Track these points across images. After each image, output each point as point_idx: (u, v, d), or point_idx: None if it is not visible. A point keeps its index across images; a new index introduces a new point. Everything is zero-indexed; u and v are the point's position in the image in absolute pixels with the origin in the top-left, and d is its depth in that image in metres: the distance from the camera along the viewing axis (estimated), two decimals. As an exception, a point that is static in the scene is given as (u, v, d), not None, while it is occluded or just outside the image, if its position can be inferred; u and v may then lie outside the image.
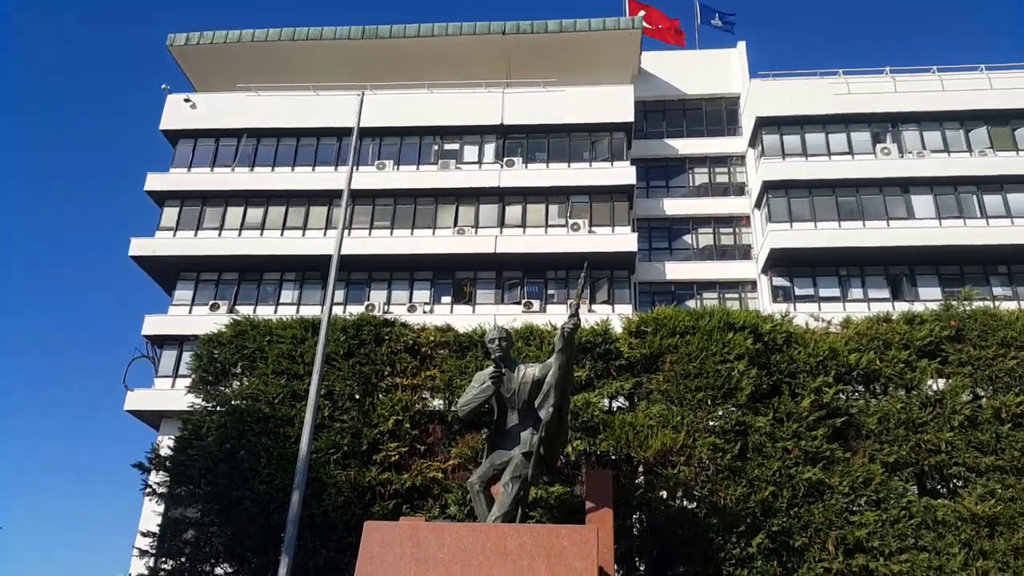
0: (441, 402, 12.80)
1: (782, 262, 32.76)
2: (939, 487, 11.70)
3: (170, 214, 33.94)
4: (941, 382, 12.12)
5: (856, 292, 32.39)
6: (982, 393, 12.01)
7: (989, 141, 33.46)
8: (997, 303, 12.87)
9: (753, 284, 34.27)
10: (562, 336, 9.11)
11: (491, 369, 9.64)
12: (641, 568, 11.61)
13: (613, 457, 12.05)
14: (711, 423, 11.81)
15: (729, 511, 11.13)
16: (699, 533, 11.07)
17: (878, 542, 10.89)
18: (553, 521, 10.78)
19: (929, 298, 27.48)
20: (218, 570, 12.06)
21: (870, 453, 11.55)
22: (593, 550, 7.93)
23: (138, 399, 30.52)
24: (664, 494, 11.66)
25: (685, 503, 11.55)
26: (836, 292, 32.55)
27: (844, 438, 11.79)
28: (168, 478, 12.70)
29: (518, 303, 31.69)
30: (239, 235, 33.28)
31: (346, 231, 30.69)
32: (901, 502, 11.10)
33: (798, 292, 32.53)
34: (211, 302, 31.94)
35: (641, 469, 11.87)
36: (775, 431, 11.66)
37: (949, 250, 31.39)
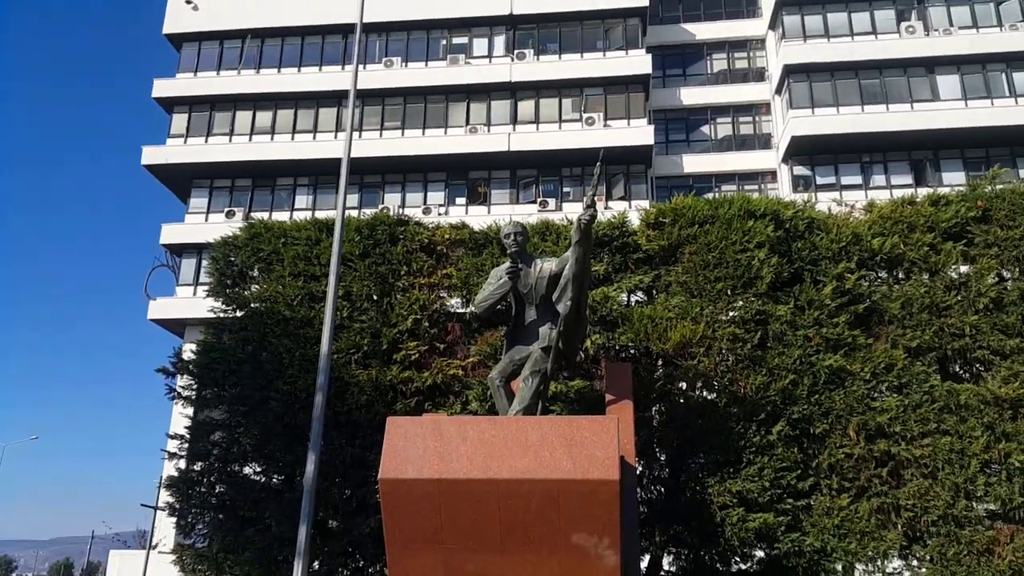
0: (458, 300, 12.77)
1: (803, 150, 31.95)
2: (962, 371, 11.62)
3: (179, 121, 33.49)
4: (964, 268, 11.86)
5: (879, 179, 31.69)
6: (1008, 275, 11.75)
7: (1021, 14, 31.82)
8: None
9: (773, 174, 33.60)
10: (578, 228, 8.90)
11: (507, 265, 9.49)
12: (662, 458, 11.78)
13: (632, 351, 12.04)
14: (731, 313, 11.70)
15: (749, 400, 11.16)
16: (719, 423, 11.14)
17: (900, 427, 10.91)
18: (573, 414, 10.86)
19: (953, 183, 26.76)
20: (247, 469, 12.41)
21: (892, 339, 11.43)
22: (614, 439, 7.97)
23: (161, 308, 30.96)
24: (684, 385, 11.70)
25: (705, 394, 11.60)
26: (858, 180, 31.86)
27: (866, 324, 11.66)
28: (193, 382, 12.93)
29: (533, 202, 31.34)
30: (250, 140, 32.87)
31: (356, 133, 30.14)
32: (923, 387, 11.05)
33: (819, 181, 31.87)
34: (226, 209, 31.88)
35: (660, 362, 11.87)
36: (796, 319, 11.53)
37: (975, 132, 30.42)
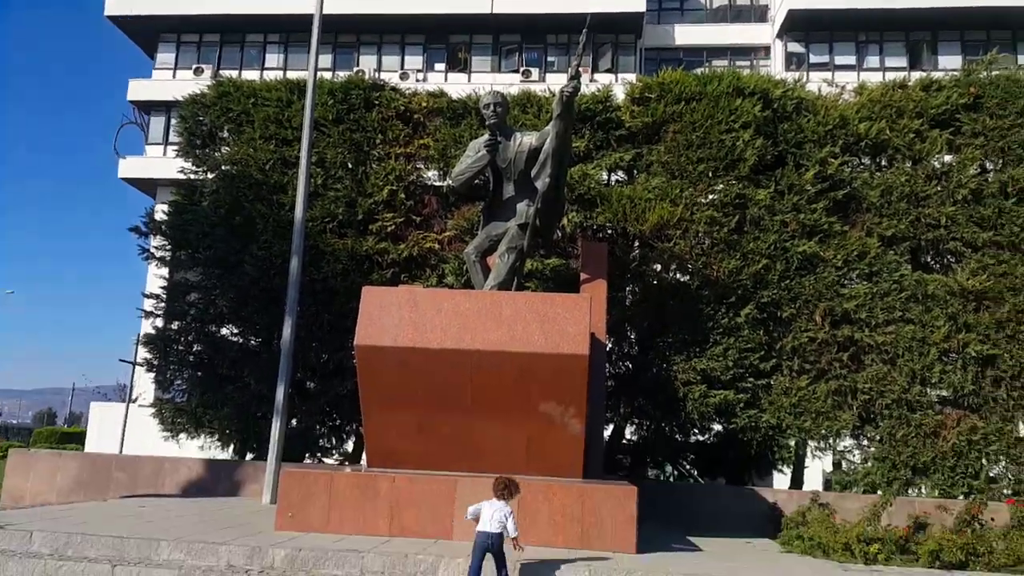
0: (435, 172, 12.54)
1: (799, 24, 30.84)
2: (933, 262, 11.79)
3: (144, -31, 31.41)
4: (948, 157, 11.78)
5: (873, 60, 30.86)
6: (990, 166, 11.71)
7: None
8: (1022, 71, 12.12)
9: (767, 50, 32.55)
10: (560, 100, 8.63)
11: (486, 137, 9.25)
12: (632, 336, 12.01)
13: (609, 231, 12.01)
14: (710, 196, 11.63)
15: (721, 283, 11.29)
16: (690, 304, 11.32)
17: (865, 314, 11.16)
18: (548, 292, 10.95)
19: (949, 67, 26.14)
20: (224, 330, 12.52)
21: (868, 227, 11.49)
22: (585, 316, 8.08)
23: (131, 166, 30.19)
24: (658, 267, 11.77)
25: (678, 276, 11.70)
26: (852, 60, 31.02)
27: (844, 211, 11.68)
28: (166, 243, 12.80)
29: (516, 71, 30.27)
30: (219, -8, 31.01)
31: (333, -13, 28.58)
32: (894, 276, 11.22)
33: (813, 59, 31.00)
34: (194, 66, 30.51)
35: (637, 243, 11.88)
36: (775, 204, 11.51)
37: (977, 12, 29.34)
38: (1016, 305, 10.93)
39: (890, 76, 12.60)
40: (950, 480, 10.58)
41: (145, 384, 25.79)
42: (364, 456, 9.06)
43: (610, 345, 11.45)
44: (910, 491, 10.80)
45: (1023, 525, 8.74)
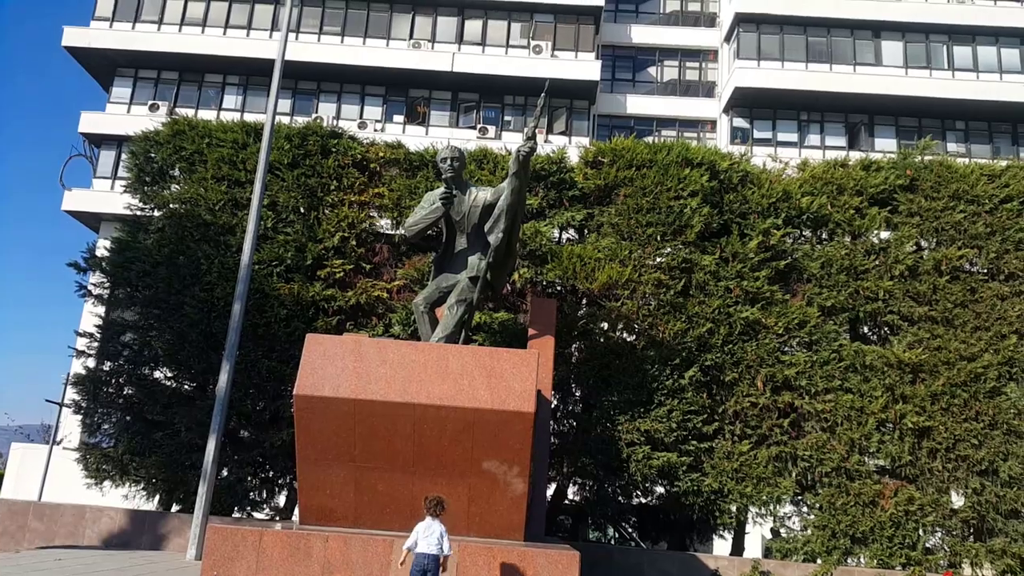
0: (388, 221, 12.51)
1: (745, 102, 32.15)
2: (871, 333, 12.13)
3: (105, 3, 31.15)
4: (885, 234, 12.24)
5: (814, 139, 32.23)
6: (925, 244, 12.20)
7: (969, -12, 32.32)
8: (950, 159, 12.76)
9: (713, 124, 33.74)
10: (517, 159, 8.76)
11: (442, 190, 9.30)
12: (577, 394, 12.00)
13: (559, 288, 12.10)
14: (658, 259, 11.84)
15: (666, 345, 11.40)
16: (635, 364, 11.38)
17: (806, 381, 11.38)
18: (495, 346, 10.91)
19: (884, 149, 27.45)
20: (158, 373, 12.08)
21: (809, 296, 11.80)
22: (533, 373, 8.04)
23: (76, 199, 29.40)
24: (605, 325, 11.86)
25: (625, 335, 11.79)
26: (794, 137, 32.34)
27: (786, 281, 12.00)
28: (105, 280, 12.41)
29: (473, 127, 30.69)
30: (179, 30, 30.87)
31: (293, 34, 28.73)
32: (833, 345, 11.51)
33: (757, 135, 32.21)
34: (150, 102, 30.13)
35: (585, 300, 11.97)
36: (719, 270, 11.77)
37: (911, 101, 31.10)
38: (950, 379, 11.27)
39: (830, 155, 13.17)
40: (888, 551, 10.70)
41: (72, 426, 24.65)
42: (296, 512, 8.76)
43: (555, 402, 11.41)
44: (849, 560, 10.87)
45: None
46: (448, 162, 9.29)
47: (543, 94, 9.31)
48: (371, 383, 7.84)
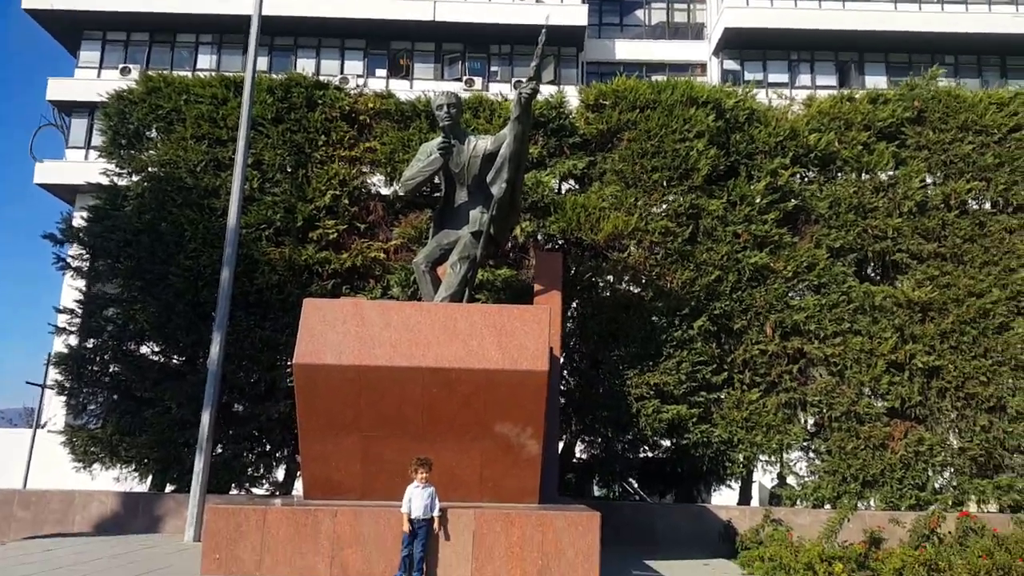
0: (382, 177, 11.97)
1: (735, 43, 31.47)
2: (877, 274, 11.81)
3: (65, -39, 29.83)
4: (892, 171, 11.86)
5: (804, 78, 31.69)
6: (933, 179, 11.84)
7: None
8: (959, 88, 12.34)
9: (703, 67, 33.07)
10: (519, 103, 8.27)
11: (439, 140, 8.81)
12: (583, 349, 11.65)
13: (560, 241, 11.68)
14: (664, 206, 11.42)
15: (674, 295, 11.05)
16: (643, 316, 11.05)
17: (815, 326, 11.09)
18: (500, 303, 10.52)
19: (875, 86, 26.97)
20: (144, 348, 11.55)
21: (817, 238, 11.45)
22: (545, 330, 7.69)
23: (49, 171, 28.43)
24: (611, 278, 11.47)
25: (632, 287, 11.41)
26: (785, 78, 31.80)
27: (794, 223, 11.63)
28: (84, 252, 11.81)
29: (459, 79, 29.86)
30: (147, -11, 29.69)
31: (268, -12, 27.61)
32: (842, 287, 11.20)
33: (747, 76, 31.54)
34: (121, 65, 29.01)
35: (590, 253, 11.56)
36: (727, 215, 11.37)
37: (900, 36, 30.59)
38: (959, 316, 11.03)
39: (821, 94, 12.68)
40: (898, 492, 10.57)
41: (56, 408, 24.14)
42: (300, 486, 8.41)
43: (562, 359, 11.09)
44: (859, 504, 10.72)
45: (968, 536, 8.73)
46: (444, 109, 8.79)
47: (542, 31, 8.74)
48: (375, 348, 7.46)
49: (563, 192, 11.95)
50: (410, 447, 7.44)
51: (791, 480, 11.26)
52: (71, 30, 29.96)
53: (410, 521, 6.71)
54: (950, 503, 10.53)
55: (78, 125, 29.36)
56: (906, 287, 11.26)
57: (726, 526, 10.18)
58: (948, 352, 11.01)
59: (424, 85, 28.50)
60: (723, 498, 12.31)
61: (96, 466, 11.30)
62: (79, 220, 12.12)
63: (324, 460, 7.66)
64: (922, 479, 10.73)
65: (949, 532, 9.01)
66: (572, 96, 12.26)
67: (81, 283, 12.19)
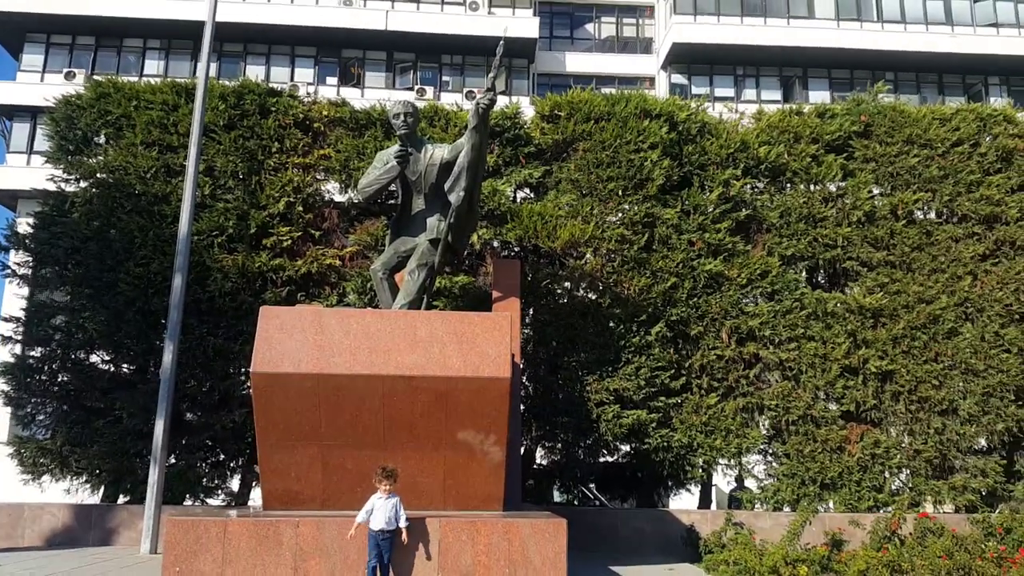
0: (336, 185, 11.85)
1: (682, 57, 32.07)
2: (828, 280, 12.12)
3: (8, -39, 28.94)
4: (841, 182, 12.19)
5: (750, 93, 32.41)
6: (881, 190, 12.19)
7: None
8: (903, 104, 12.77)
9: (652, 81, 33.58)
10: (477, 113, 8.28)
11: (396, 147, 8.77)
12: (542, 355, 11.68)
13: (517, 248, 11.72)
14: (619, 214, 11.55)
15: (632, 301, 11.17)
16: (601, 322, 11.14)
17: (769, 331, 11.31)
18: (458, 310, 10.49)
19: (817, 102, 27.72)
20: (94, 356, 11.21)
21: (769, 246, 11.71)
22: (506, 336, 7.67)
23: (-12, 176, 27.49)
24: (568, 284, 11.54)
25: (589, 294, 11.50)
26: (731, 92, 32.47)
27: (746, 232, 11.87)
28: (30, 258, 11.43)
29: (411, 88, 29.79)
30: (93, -8, 28.96)
31: (217, -6, 27.19)
32: (794, 294, 11.46)
33: (695, 91, 32.13)
34: (65, 70, 28.22)
35: (546, 260, 11.62)
36: (681, 223, 11.55)
37: (843, 53, 31.54)
38: (910, 322, 11.37)
39: (767, 108, 13.01)
40: (856, 495, 10.79)
41: (0, 419, 23.26)
42: (256, 496, 8.23)
43: (522, 365, 11.09)
44: (819, 506, 10.93)
45: (927, 537, 8.94)
46: (401, 118, 8.75)
47: (500, 42, 8.81)
48: (334, 356, 7.35)
49: (519, 200, 11.99)
50: (372, 456, 7.35)
51: (750, 483, 11.44)
52: (14, 32, 29.08)
53: (372, 532, 6.61)
54: (907, 504, 10.74)
55: (20, 129, 28.46)
56: (857, 294, 11.58)
57: (688, 530, 10.28)
58: (900, 356, 11.33)
59: (375, 94, 28.35)
60: (683, 502, 12.43)
61: (46, 478, 10.96)
62: (24, 226, 11.72)
63: (284, 470, 7.50)
64: (879, 481, 10.99)
65: (909, 533, 9.23)
66: (524, 107, 12.35)
67: (26, 291, 11.78)
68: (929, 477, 11.09)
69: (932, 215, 12.14)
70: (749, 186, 12.01)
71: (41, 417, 11.13)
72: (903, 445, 11.14)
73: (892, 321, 11.40)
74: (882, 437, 11.05)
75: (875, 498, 10.81)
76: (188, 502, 10.93)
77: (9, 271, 11.46)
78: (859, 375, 11.25)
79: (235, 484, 11.54)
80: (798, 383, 11.23)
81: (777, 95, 32.49)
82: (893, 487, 11.12)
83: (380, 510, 6.66)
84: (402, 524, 6.68)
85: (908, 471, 11.16)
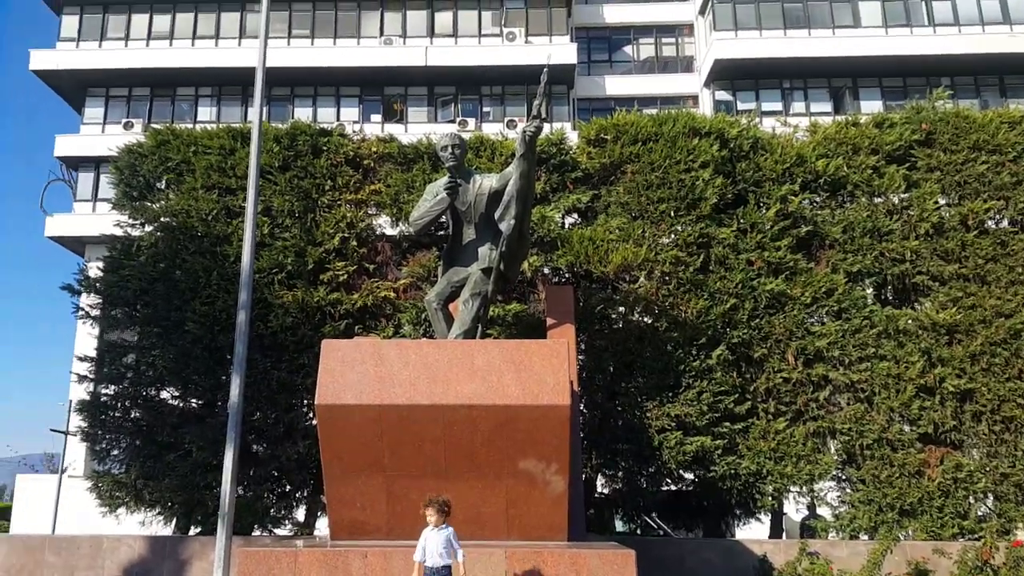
0: (388, 219, 11.98)
1: (725, 74, 31.72)
2: (897, 297, 11.65)
3: (70, 23, 30.41)
4: (905, 193, 11.79)
5: (798, 106, 31.85)
6: (943, 201, 11.75)
7: (945, -57, 32.07)
8: (967, 109, 12.30)
9: (695, 99, 33.33)
10: (523, 141, 8.28)
11: (446, 179, 8.81)
12: (599, 382, 11.51)
13: (567, 275, 11.61)
14: (673, 236, 11.37)
15: (690, 324, 10.94)
16: (659, 347, 10.91)
17: (838, 352, 10.91)
18: (512, 338, 10.41)
19: (871, 111, 27.13)
20: (164, 393, 11.53)
21: (833, 263, 11.35)
22: (564, 364, 7.57)
23: (59, 224, 28.72)
24: (623, 309, 11.37)
25: (645, 318, 11.30)
26: (779, 106, 31.94)
27: (808, 248, 11.55)
28: (101, 300, 11.84)
29: (452, 121, 30.14)
30: (147, 45, 30.14)
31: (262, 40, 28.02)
32: (862, 312, 11.03)
33: (740, 106, 31.75)
34: (124, 120, 29.42)
35: (599, 285, 11.48)
36: (738, 242, 11.30)
37: (893, 60, 30.74)
38: (988, 337, 10.83)
39: (821, 120, 12.64)
40: (939, 521, 10.23)
41: (75, 453, 23.91)
42: (322, 526, 8.23)
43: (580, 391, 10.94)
44: (898, 534, 10.42)
45: (1021, 566, 8.43)
46: (449, 150, 8.80)
47: (544, 70, 8.82)
48: (395, 387, 7.35)
49: (568, 226, 11.92)
50: (434, 485, 7.27)
51: (823, 511, 10.98)
52: (76, 88, 30.52)
53: (427, 569, 6.30)
54: (996, 531, 10.15)
55: (85, 179, 29.76)
56: (929, 309, 11.09)
57: (761, 561, 9.88)
58: (980, 374, 10.78)
59: (418, 128, 28.70)
60: (751, 531, 12.02)
61: (121, 510, 11.35)
62: (95, 271, 12.17)
63: (350, 501, 7.53)
64: (963, 507, 10.40)
65: (1003, 563, 8.69)
66: (568, 132, 12.36)
67: (97, 331, 12.24)
68: (1019, 503, 10.45)
69: (1005, 224, 11.60)
70: (808, 201, 11.71)
71: (115, 452, 11.55)
72: (988, 468, 10.54)
73: (969, 337, 10.88)
74: (964, 460, 10.49)
75: (959, 525, 10.21)
76: (256, 532, 11.13)
77: (82, 313, 11.96)
78: (936, 395, 10.72)
79: (301, 514, 11.72)
80: (871, 405, 10.79)
81: (827, 107, 31.82)
82: (979, 513, 10.50)
83: (431, 543, 6.35)
84: (459, 558, 6.32)
85: (994, 496, 10.56)
